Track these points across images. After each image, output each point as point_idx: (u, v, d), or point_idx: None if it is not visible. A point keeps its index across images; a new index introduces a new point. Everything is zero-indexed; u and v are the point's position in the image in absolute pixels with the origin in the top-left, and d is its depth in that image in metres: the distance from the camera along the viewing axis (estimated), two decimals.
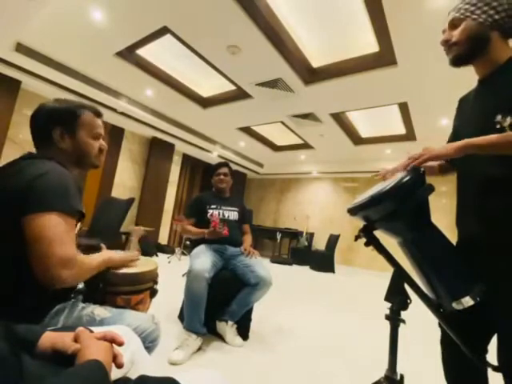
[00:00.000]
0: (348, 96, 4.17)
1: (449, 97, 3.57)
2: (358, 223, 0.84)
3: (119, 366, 0.51)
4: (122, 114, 5.13)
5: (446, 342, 0.96)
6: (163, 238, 6.92)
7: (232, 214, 2.23)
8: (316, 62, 3.67)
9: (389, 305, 0.83)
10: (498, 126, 0.76)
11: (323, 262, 6.18)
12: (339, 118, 5.03)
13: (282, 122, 5.49)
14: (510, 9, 0.80)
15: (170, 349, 1.60)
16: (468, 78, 1.09)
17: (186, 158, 7.54)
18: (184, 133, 6.18)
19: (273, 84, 4.05)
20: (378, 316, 1.15)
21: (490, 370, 0.84)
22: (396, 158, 5.83)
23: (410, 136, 5.34)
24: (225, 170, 2.29)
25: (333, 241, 6.40)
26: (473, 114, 0.89)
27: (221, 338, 1.89)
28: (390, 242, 0.87)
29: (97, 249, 0.98)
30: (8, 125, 4.23)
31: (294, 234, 7.65)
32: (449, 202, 5.90)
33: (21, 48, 3.67)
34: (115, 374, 0.53)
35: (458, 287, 0.78)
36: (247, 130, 6.21)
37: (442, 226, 0.83)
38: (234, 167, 7.74)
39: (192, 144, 6.63)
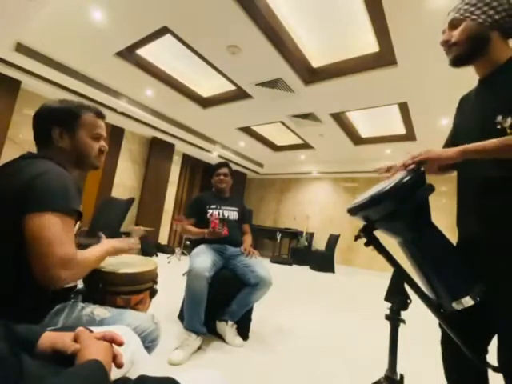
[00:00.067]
0: (348, 96, 4.17)
1: (449, 97, 3.57)
2: (358, 223, 0.84)
3: (119, 365, 0.51)
4: (122, 114, 5.13)
5: (446, 342, 0.96)
6: (163, 238, 6.91)
7: (232, 214, 2.23)
8: (316, 62, 3.67)
9: (389, 305, 0.83)
10: (499, 127, 0.76)
11: (323, 262, 6.18)
12: (339, 118, 5.03)
13: (282, 122, 5.49)
14: (510, 9, 0.80)
15: (169, 349, 1.60)
16: (468, 78, 1.09)
17: (186, 158, 7.54)
18: (184, 133, 6.18)
19: (273, 84, 4.05)
20: (377, 316, 1.15)
21: (490, 371, 0.84)
22: (396, 158, 5.80)
23: (409, 136, 5.34)
24: (225, 170, 2.29)
25: (333, 241, 6.40)
26: (473, 114, 0.89)
27: (221, 338, 1.89)
28: (390, 241, 0.87)
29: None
30: (8, 125, 4.24)
31: (293, 234, 7.64)
32: (449, 202, 5.90)
33: (21, 48, 3.67)
34: (115, 373, 0.53)
35: (458, 287, 0.78)
36: (247, 130, 6.21)
37: (441, 226, 0.83)
38: (234, 167, 7.74)
39: (192, 144, 6.63)
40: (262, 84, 4.09)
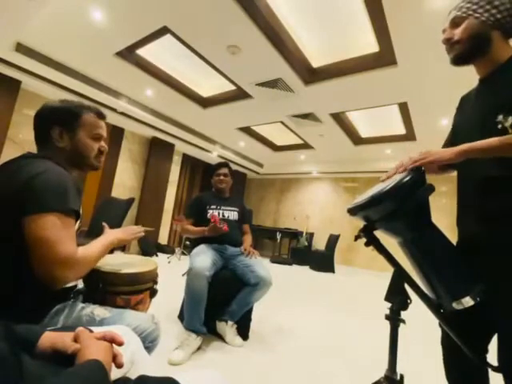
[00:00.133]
0: (348, 96, 4.17)
1: (449, 97, 3.57)
2: (358, 223, 0.84)
3: (119, 365, 0.51)
4: (122, 114, 5.13)
5: (446, 342, 0.96)
6: (163, 238, 6.91)
7: (232, 214, 2.23)
8: (316, 62, 3.67)
9: (389, 305, 0.83)
10: (500, 126, 0.76)
11: (323, 261, 6.18)
12: (339, 118, 5.03)
13: (282, 122, 5.49)
14: None
15: (169, 349, 1.60)
16: (468, 78, 1.09)
17: (186, 158, 7.54)
18: (184, 133, 6.18)
19: (273, 84, 4.05)
20: (378, 316, 1.15)
21: (490, 371, 0.84)
22: (396, 158, 5.83)
23: (409, 136, 5.34)
24: (225, 170, 2.29)
25: (333, 241, 6.40)
26: (473, 114, 0.89)
27: (221, 338, 1.89)
28: (390, 241, 0.87)
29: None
30: (8, 125, 4.23)
31: (293, 234, 7.64)
32: (449, 201, 5.90)
33: (21, 48, 3.67)
34: (115, 373, 0.53)
35: (458, 287, 0.78)
36: (247, 130, 6.21)
37: (442, 226, 0.83)
38: (234, 167, 7.73)
39: (192, 144, 6.63)
40: (262, 84, 4.09)
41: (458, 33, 0.86)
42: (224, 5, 2.69)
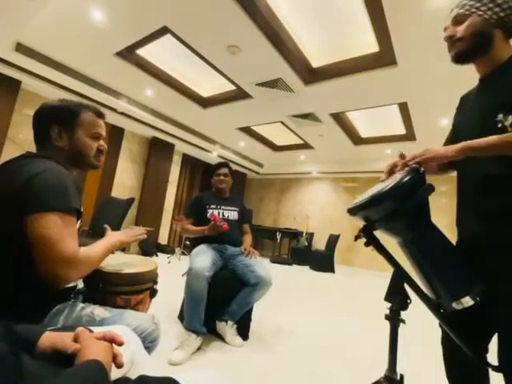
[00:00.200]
0: (348, 96, 4.17)
1: (449, 97, 3.57)
2: (358, 223, 0.84)
3: (119, 365, 0.51)
4: (122, 114, 5.13)
5: (446, 342, 0.96)
6: (163, 238, 6.91)
7: (232, 214, 2.23)
8: (316, 62, 3.67)
9: (389, 305, 0.83)
10: (500, 125, 0.76)
11: (323, 261, 6.18)
12: (339, 118, 5.03)
13: (282, 122, 5.49)
14: None
15: (169, 349, 1.60)
16: (468, 78, 1.09)
17: (186, 158, 7.54)
18: (184, 133, 6.18)
19: (273, 84, 4.05)
20: (378, 316, 1.15)
21: (490, 370, 0.84)
22: (396, 158, 5.81)
23: (409, 136, 5.34)
24: (225, 170, 2.29)
25: (333, 241, 6.40)
26: (473, 113, 0.89)
27: (221, 338, 1.89)
28: (390, 241, 0.87)
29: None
30: (8, 125, 4.23)
31: (293, 234, 7.64)
32: (449, 201, 5.90)
33: (21, 48, 3.67)
34: (115, 373, 0.53)
35: (457, 287, 0.78)
36: (247, 130, 6.21)
37: (441, 226, 0.83)
38: (234, 167, 7.73)
39: (192, 144, 6.63)
40: (262, 84, 4.09)
41: (460, 30, 0.85)
42: (224, 5, 2.69)
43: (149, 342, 0.84)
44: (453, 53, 0.89)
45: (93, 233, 3.10)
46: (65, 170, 0.79)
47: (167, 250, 6.06)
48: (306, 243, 7.27)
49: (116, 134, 5.85)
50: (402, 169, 0.84)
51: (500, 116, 0.76)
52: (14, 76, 4.11)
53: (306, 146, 6.70)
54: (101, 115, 0.94)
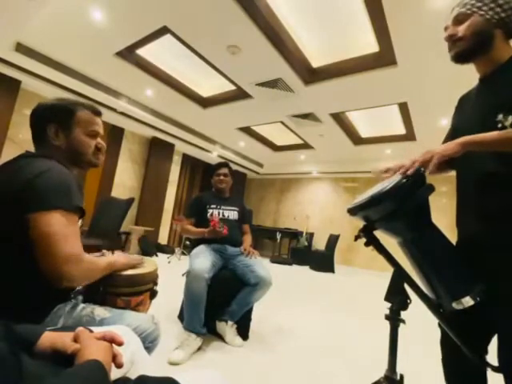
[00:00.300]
0: (348, 96, 4.17)
1: (449, 97, 3.55)
2: (358, 223, 0.84)
3: (119, 365, 0.51)
4: (122, 113, 5.14)
5: (445, 342, 0.96)
6: (163, 238, 6.91)
7: (232, 214, 2.23)
8: (316, 62, 3.67)
9: (389, 305, 0.83)
10: (500, 125, 0.76)
11: (323, 262, 6.18)
12: (339, 118, 5.03)
13: (282, 122, 5.49)
14: None
15: (169, 349, 1.60)
16: (468, 78, 1.09)
17: (186, 158, 7.55)
18: (184, 133, 6.18)
19: (273, 84, 4.05)
20: (377, 316, 1.15)
21: (489, 371, 0.84)
22: (396, 158, 5.84)
23: (409, 136, 5.34)
24: (225, 170, 2.29)
25: (333, 241, 6.40)
26: (473, 113, 0.89)
27: (221, 337, 1.89)
28: (390, 241, 0.87)
29: (98, 249, 0.99)
30: (8, 125, 4.24)
31: (293, 234, 7.65)
32: (449, 202, 5.90)
33: (21, 48, 3.67)
34: (115, 373, 0.52)
35: (458, 287, 0.78)
36: (247, 130, 6.21)
37: (441, 226, 0.83)
38: (234, 167, 7.74)
39: (192, 144, 6.63)
40: (262, 84, 4.09)
41: (461, 29, 0.85)
42: (224, 5, 2.70)
43: (149, 342, 0.83)
44: (453, 52, 0.89)
45: (93, 233, 3.11)
46: (66, 169, 0.79)
47: (167, 249, 6.06)
48: (306, 243, 7.27)
49: (116, 134, 5.85)
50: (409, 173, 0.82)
51: (500, 116, 0.76)
52: (14, 76, 4.12)
53: (306, 146, 6.70)
54: (98, 113, 0.93)
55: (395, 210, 0.77)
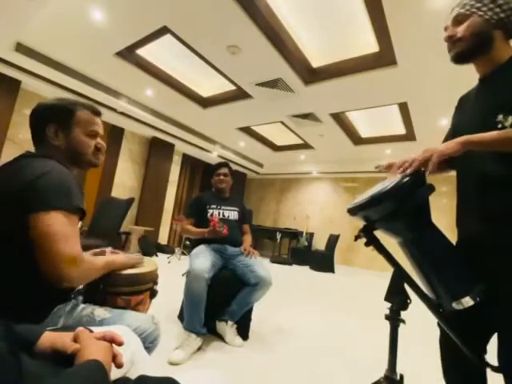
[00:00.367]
0: (348, 96, 4.17)
1: (449, 97, 3.55)
2: (358, 223, 0.84)
3: (119, 365, 0.51)
4: (122, 113, 5.14)
5: (444, 341, 0.96)
6: (163, 238, 6.91)
7: (232, 214, 2.23)
8: (316, 62, 3.67)
9: (389, 305, 0.83)
10: (500, 126, 0.76)
11: (323, 261, 6.18)
12: (339, 118, 5.03)
13: (282, 122, 5.49)
14: None
15: (169, 349, 1.60)
16: (468, 78, 1.09)
17: (186, 158, 7.55)
18: (184, 133, 6.18)
19: (273, 84, 4.05)
20: (377, 316, 1.15)
21: (488, 370, 0.84)
22: (396, 158, 5.82)
23: (409, 136, 5.35)
24: (225, 170, 2.29)
25: (333, 241, 6.40)
26: (473, 114, 0.89)
27: (221, 338, 1.89)
28: (389, 241, 0.87)
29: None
30: (8, 125, 4.24)
31: (293, 234, 7.65)
32: (449, 202, 5.90)
33: (21, 48, 3.67)
34: (115, 373, 0.53)
35: (457, 287, 0.78)
36: (247, 130, 6.21)
37: (441, 226, 0.83)
38: (234, 167, 7.73)
39: (192, 144, 6.64)
40: (262, 84, 4.09)
41: (460, 30, 0.85)
42: (224, 5, 2.70)
43: (149, 343, 0.83)
44: (453, 53, 0.89)
45: (93, 233, 3.11)
46: (66, 169, 0.79)
47: (167, 249, 6.06)
48: (306, 243, 7.27)
49: (116, 134, 5.85)
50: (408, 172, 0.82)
51: (500, 117, 0.76)
52: (14, 76, 4.12)
53: (306, 146, 6.70)
54: (97, 113, 0.93)
55: (395, 209, 0.77)
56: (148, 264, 1.10)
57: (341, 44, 3.33)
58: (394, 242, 0.87)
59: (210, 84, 4.57)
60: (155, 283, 1.06)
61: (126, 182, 6.13)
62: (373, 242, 0.81)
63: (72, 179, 0.77)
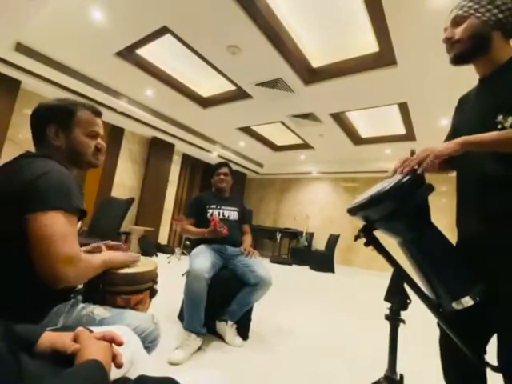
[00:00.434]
0: (348, 96, 4.17)
1: (449, 97, 3.55)
2: (358, 223, 0.84)
3: (118, 365, 0.51)
4: (122, 113, 5.14)
5: (445, 341, 0.96)
6: (163, 238, 6.91)
7: (232, 214, 2.23)
8: (316, 62, 3.67)
9: (389, 305, 0.83)
10: (500, 126, 0.76)
11: (323, 261, 6.18)
12: (339, 118, 5.03)
13: (282, 122, 5.49)
14: None
15: (169, 349, 1.60)
16: (468, 78, 1.09)
17: (186, 158, 7.55)
18: (184, 133, 6.18)
19: (273, 84, 4.05)
20: (377, 316, 1.15)
21: (488, 370, 0.84)
22: (396, 158, 5.83)
23: (409, 136, 5.35)
24: (225, 169, 2.29)
25: (333, 241, 6.40)
26: (473, 114, 0.89)
27: (221, 338, 1.89)
28: (389, 241, 0.87)
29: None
30: (8, 125, 4.24)
31: (293, 234, 7.65)
32: (449, 202, 5.90)
33: (21, 48, 3.67)
34: (114, 373, 0.53)
35: (457, 287, 0.78)
36: (247, 130, 6.21)
37: (441, 226, 0.83)
38: (234, 167, 7.73)
39: (192, 144, 6.64)
40: (262, 84, 4.09)
41: (458, 32, 0.85)
42: (224, 5, 2.70)
43: (149, 342, 0.83)
44: (451, 54, 0.89)
45: (93, 233, 3.11)
46: (66, 169, 0.79)
47: (167, 249, 6.06)
48: (306, 243, 7.27)
49: (116, 134, 5.85)
50: (404, 171, 0.82)
51: (500, 117, 0.76)
52: (14, 76, 4.12)
53: (306, 146, 6.70)
54: (98, 113, 0.93)
55: (395, 209, 0.77)
56: (147, 263, 1.10)
57: (341, 44, 3.33)
58: (393, 242, 0.87)
59: (210, 84, 4.57)
60: (155, 282, 1.07)
61: (125, 181, 6.13)
62: (372, 241, 0.81)
63: (72, 179, 0.77)
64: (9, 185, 0.71)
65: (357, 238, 0.83)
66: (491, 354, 0.86)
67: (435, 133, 4.78)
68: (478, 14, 0.82)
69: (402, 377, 0.81)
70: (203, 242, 2.06)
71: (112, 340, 0.52)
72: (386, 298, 0.83)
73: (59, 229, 0.69)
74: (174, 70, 4.27)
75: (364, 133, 5.78)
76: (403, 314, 0.81)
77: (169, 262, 4.96)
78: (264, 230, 7.93)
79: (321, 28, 3.12)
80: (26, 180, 0.69)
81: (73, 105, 0.88)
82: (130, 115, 5.25)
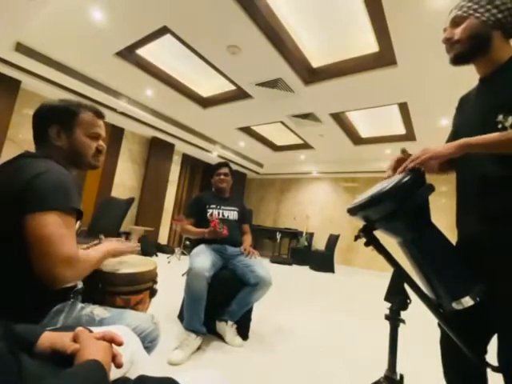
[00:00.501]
0: (348, 96, 4.17)
1: (449, 97, 3.56)
2: (358, 223, 0.84)
3: (118, 365, 0.51)
4: (122, 113, 5.14)
5: (445, 342, 0.96)
6: (163, 238, 6.91)
7: (232, 214, 2.23)
8: (316, 62, 3.67)
9: (389, 305, 0.83)
10: (500, 126, 0.75)
11: (323, 261, 6.18)
12: (339, 118, 5.03)
13: (282, 122, 5.49)
14: None
15: (169, 349, 1.60)
16: (468, 78, 1.09)
17: (186, 158, 7.54)
18: (184, 133, 6.18)
19: (273, 84, 4.05)
20: (377, 316, 1.15)
21: (488, 370, 0.84)
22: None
23: (409, 136, 5.34)
24: (225, 169, 2.29)
25: (332, 241, 6.40)
26: (473, 114, 0.89)
27: (221, 337, 1.89)
28: (389, 241, 0.87)
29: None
30: (8, 125, 4.24)
31: (293, 234, 7.64)
32: (449, 202, 5.89)
33: (21, 48, 3.67)
34: (114, 373, 0.53)
35: (457, 287, 0.78)
36: (247, 130, 6.21)
37: (441, 226, 0.83)
38: (234, 167, 7.73)
39: (192, 144, 6.63)
40: (262, 84, 4.09)
41: (458, 32, 0.85)
42: (224, 5, 2.69)
43: (148, 342, 0.83)
44: (451, 55, 0.89)
45: (92, 233, 3.10)
46: (65, 170, 0.79)
47: (167, 249, 6.06)
48: (306, 243, 7.27)
49: (116, 134, 5.85)
50: (403, 171, 0.83)
51: (500, 117, 0.76)
52: (14, 76, 4.12)
53: (306, 146, 6.70)
54: (100, 115, 0.93)
55: (395, 209, 0.77)
56: (147, 263, 1.10)
57: (341, 44, 3.33)
58: (393, 242, 0.87)
59: (210, 84, 4.57)
60: (155, 282, 1.07)
61: (125, 181, 6.13)
62: (372, 241, 0.81)
63: (70, 180, 0.77)
64: (8, 185, 0.70)
65: (357, 238, 0.83)
66: (491, 354, 0.86)
67: (435, 133, 4.78)
68: (478, 14, 0.82)
69: (401, 377, 0.81)
70: (203, 241, 2.05)
71: (112, 340, 0.52)
72: (386, 298, 0.83)
73: (56, 229, 0.68)
74: (174, 70, 4.26)
75: (364, 133, 5.78)
76: (403, 314, 0.81)
77: (169, 262, 4.96)
78: (264, 230, 7.93)
79: (321, 28, 3.12)
80: (25, 180, 0.69)
81: (75, 106, 0.89)
82: (130, 115, 5.25)
